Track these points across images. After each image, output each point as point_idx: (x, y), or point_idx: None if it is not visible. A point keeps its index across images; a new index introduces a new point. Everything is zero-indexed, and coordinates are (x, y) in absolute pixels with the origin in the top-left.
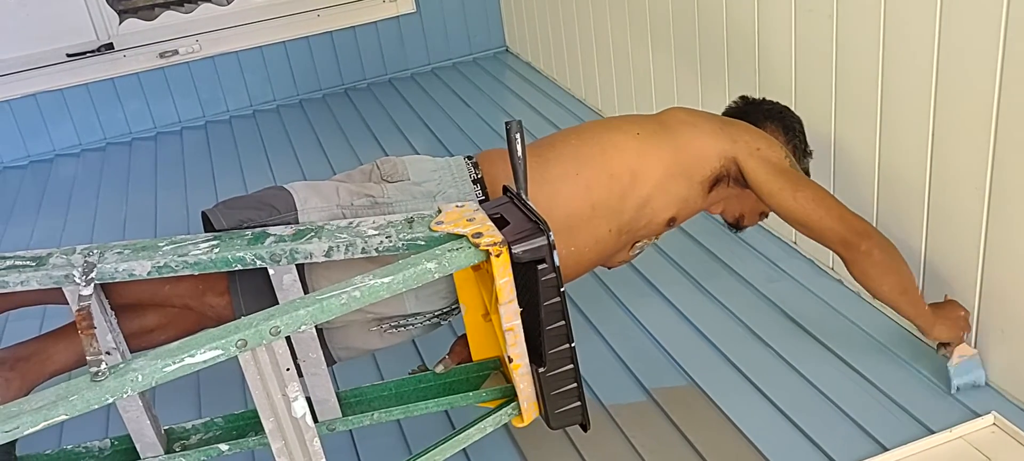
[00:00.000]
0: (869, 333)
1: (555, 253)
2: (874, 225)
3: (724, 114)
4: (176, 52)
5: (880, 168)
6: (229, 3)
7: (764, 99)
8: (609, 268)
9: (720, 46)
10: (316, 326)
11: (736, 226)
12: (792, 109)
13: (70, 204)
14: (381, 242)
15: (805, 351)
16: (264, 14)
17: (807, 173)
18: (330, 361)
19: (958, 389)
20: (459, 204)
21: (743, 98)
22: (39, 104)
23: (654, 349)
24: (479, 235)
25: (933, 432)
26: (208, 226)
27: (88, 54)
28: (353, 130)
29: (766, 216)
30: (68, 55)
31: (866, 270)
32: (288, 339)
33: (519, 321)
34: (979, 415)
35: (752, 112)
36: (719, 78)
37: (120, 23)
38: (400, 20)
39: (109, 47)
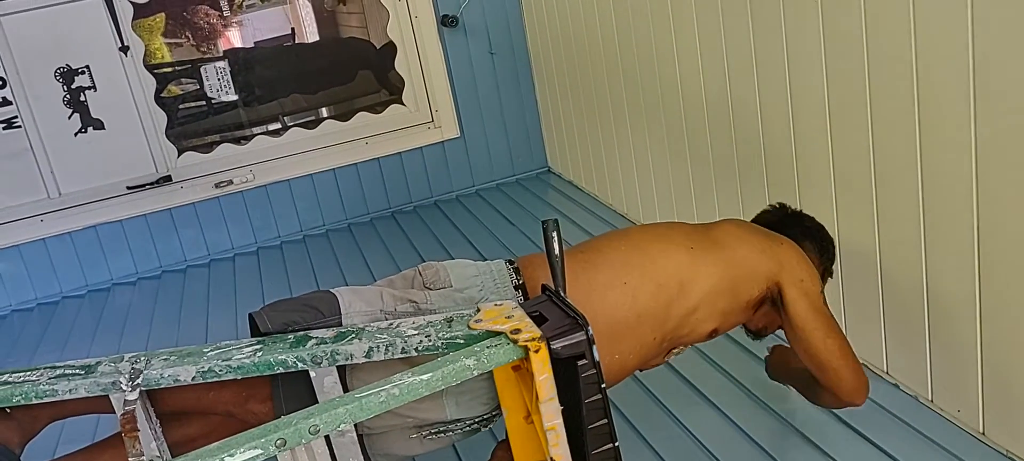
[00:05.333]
0: (930, 438)
1: (594, 348)
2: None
3: (759, 218)
4: (231, 182)
5: (929, 299)
6: (282, 134)
7: (803, 213)
8: (642, 370)
9: (758, 160)
10: (357, 433)
11: (757, 335)
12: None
13: (124, 331)
14: (421, 342)
15: (866, 459)
16: (315, 144)
17: None
18: None
19: None
20: (498, 302)
21: (782, 206)
22: (99, 235)
23: (706, 459)
24: (517, 331)
25: None
26: (255, 329)
27: (147, 186)
28: (398, 249)
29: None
30: (128, 187)
31: (837, 406)
32: (329, 445)
33: (561, 420)
34: None
35: (791, 226)
36: (759, 190)
37: (178, 156)
38: (445, 145)
39: (167, 179)
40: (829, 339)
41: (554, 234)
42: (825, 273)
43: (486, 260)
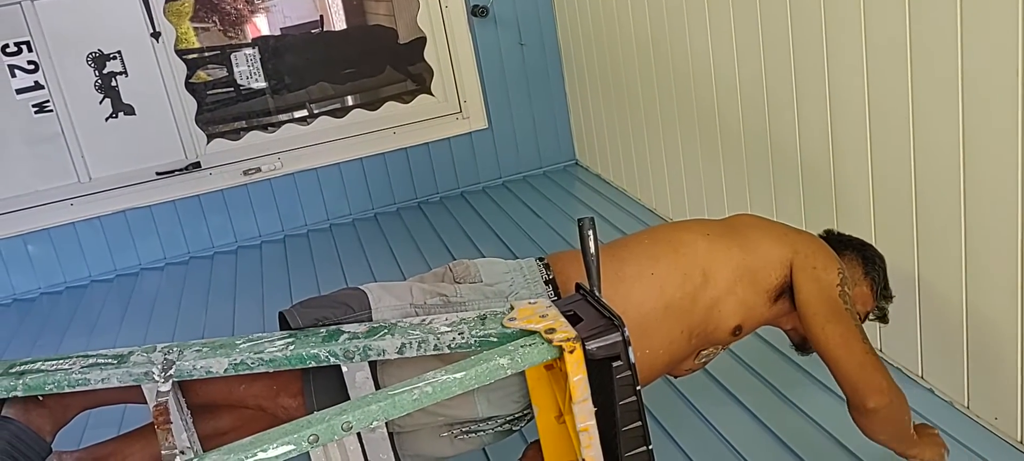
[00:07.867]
0: (966, 445)
1: (630, 350)
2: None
3: None
4: (259, 169)
5: (968, 305)
6: (310, 123)
7: (851, 237)
8: (676, 376)
9: (793, 163)
10: (387, 431)
11: (802, 348)
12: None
13: (152, 316)
14: (454, 339)
15: None
16: (343, 133)
17: (883, 315)
18: None
19: None
20: (532, 301)
21: (828, 231)
22: (128, 220)
23: (734, 459)
24: (552, 331)
25: None
26: (284, 326)
27: (176, 172)
28: (425, 241)
29: None
30: (157, 173)
31: (863, 422)
32: (361, 442)
33: (594, 421)
34: None
35: (832, 241)
36: (794, 195)
37: (208, 143)
38: (472, 136)
39: (196, 165)
40: (829, 325)
41: (590, 233)
42: (876, 287)
43: (512, 253)
